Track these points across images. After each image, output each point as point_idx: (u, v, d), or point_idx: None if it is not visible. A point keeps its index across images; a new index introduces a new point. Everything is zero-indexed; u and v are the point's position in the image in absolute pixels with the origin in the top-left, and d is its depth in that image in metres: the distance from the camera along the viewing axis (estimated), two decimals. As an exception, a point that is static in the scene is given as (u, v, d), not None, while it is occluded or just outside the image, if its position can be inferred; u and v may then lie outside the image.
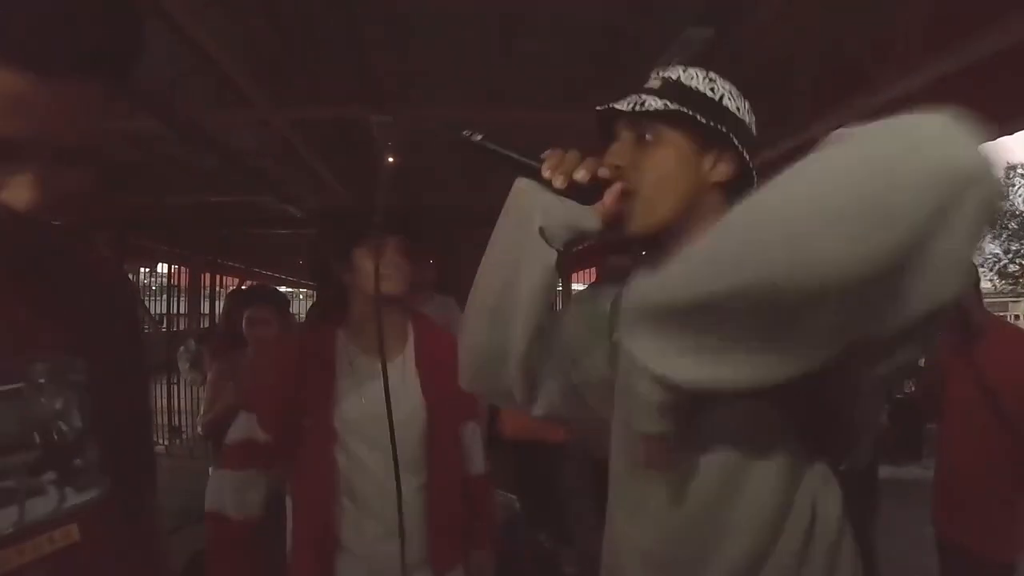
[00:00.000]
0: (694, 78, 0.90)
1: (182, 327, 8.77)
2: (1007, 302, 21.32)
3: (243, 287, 6.83)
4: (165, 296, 9.55)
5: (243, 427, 1.51)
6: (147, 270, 10.15)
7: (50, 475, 0.66)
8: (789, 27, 2.67)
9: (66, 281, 0.74)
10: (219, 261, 9.07)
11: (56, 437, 0.67)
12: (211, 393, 3.09)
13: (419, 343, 1.56)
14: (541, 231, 0.84)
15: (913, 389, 6.79)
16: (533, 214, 0.84)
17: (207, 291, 9.26)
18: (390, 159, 4.05)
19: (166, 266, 9.69)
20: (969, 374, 2.30)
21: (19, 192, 0.58)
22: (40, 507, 0.65)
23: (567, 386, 1.00)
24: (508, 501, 3.10)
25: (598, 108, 0.91)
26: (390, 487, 1.38)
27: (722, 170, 0.88)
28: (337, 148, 4.28)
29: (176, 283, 9.53)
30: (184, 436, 6.81)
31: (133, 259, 8.10)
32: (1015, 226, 19.02)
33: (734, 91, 0.91)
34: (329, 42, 2.81)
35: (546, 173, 0.83)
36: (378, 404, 1.31)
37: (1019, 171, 18.79)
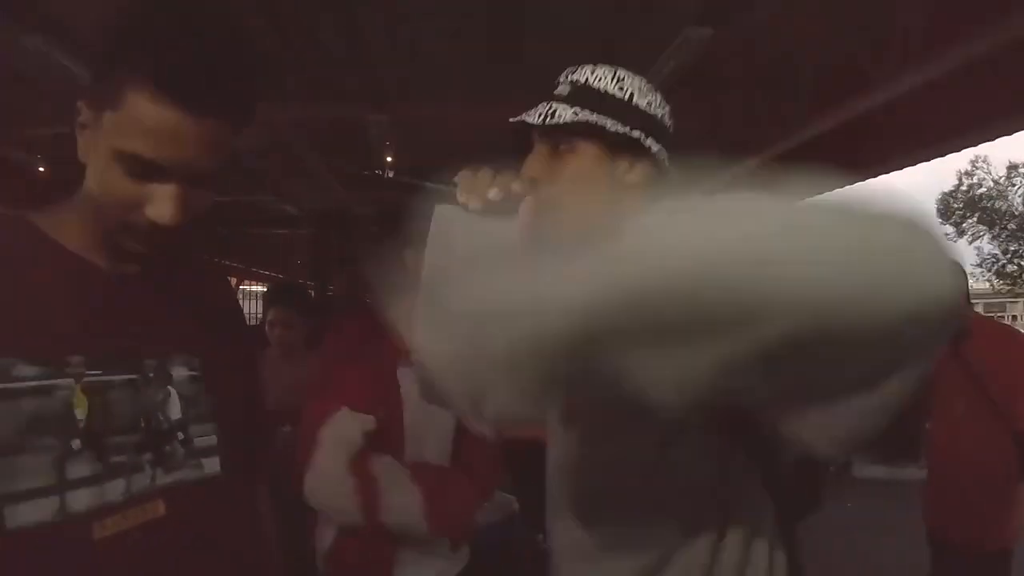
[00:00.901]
0: (602, 79, 0.89)
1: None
2: (1005, 302, 21.35)
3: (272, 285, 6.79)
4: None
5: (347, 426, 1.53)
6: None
7: (148, 456, 0.79)
8: (788, 27, 2.67)
9: (176, 287, 0.89)
10: (218, 261, 9.06)
11: (156, 424, 0.80)
12: None
13: None
14: (463, 250, 0.83)
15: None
16: (453, 236, 0.84)
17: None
18: (388, 159, 4.06)
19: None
20: (957, 370, 2.40)
21: (162, 206, 0.74)
22: (138, 482, 0.78)
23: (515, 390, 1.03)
24: (506, 501, 3.10)
25: (511, 120, 0.92)
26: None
27: (637, 172, 0.88)
28: (336, 148, 4.28)
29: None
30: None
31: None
32: (1013, 227, 19.03)
33: (644, 86, 0.90)
34: (328, 42, 2.81)
35: (461, 197, 0.83)
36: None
37: (1019, 171, 18.81)
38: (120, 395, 0.77)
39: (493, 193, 0.82)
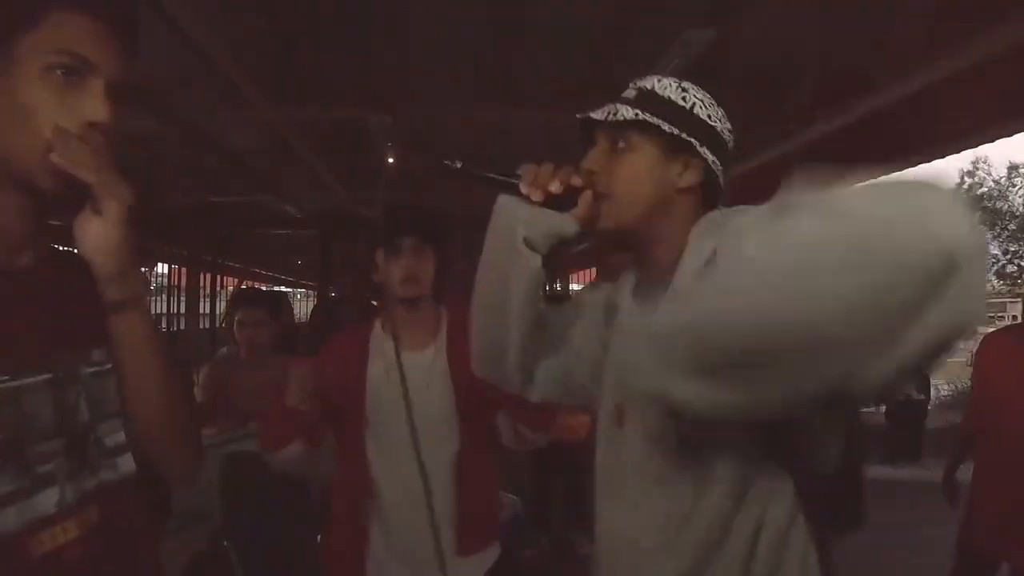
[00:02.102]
0: (668, 88, 0.95)
1: (181, 327, 8.77)
2: (1005, 302, 21.32)
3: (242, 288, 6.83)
4: (164, 296, 9.55)
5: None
6: (146, 270, 10.14)
7: (71, 462, 0.74)
8: (790, 28, 2.67)
9: (66, 281, 0.81)
10: (219, 261, 9.07)
11: (73, 427, 0.75)
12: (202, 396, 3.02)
13: (452, 333, 1.62)
14: (525, 240, 0.92)
15: (915, 392, 6.81)
16: (516, 227, 0.92)
17: (206, 291, 9.26)
18: (390, 159, 4.06)
19: (165, 266, 9.69)
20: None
21: (95, 102, 0.76)
22: (69, 490, 0.73)
23: (563, 374, 1.10)
24: (512, 502, 3.10)
25: (577, 116, 0.99)
26: (415, 465, 1.56)
27: (689, 176, 0.94)
28: (337, 148, 4.28)
29: (176, 283, 9.54)
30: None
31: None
32: (1014, 227, 19.02)
33: (707, 100, 0.96)
34: (329, 42, 2.82)
35: (523, 188, 0.91)
36: (400, 390, 1.55)
37: (1020, 172, 18.79)
38: (33, 400, 0.72)
39: (555, 186, 0.90)
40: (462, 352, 1.51)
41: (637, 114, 0.91)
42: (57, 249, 0.85)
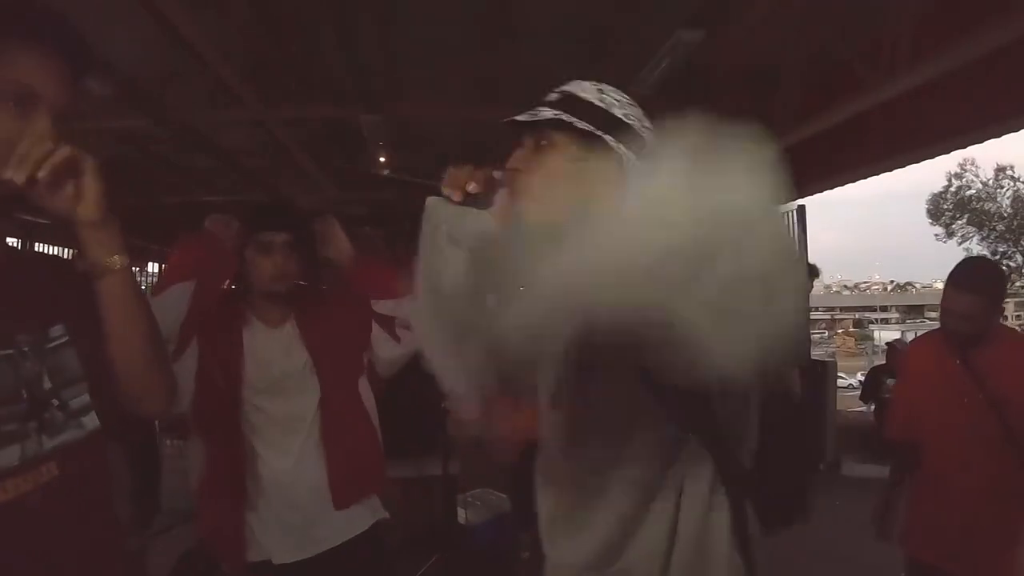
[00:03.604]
0: (587, 91, 1.02)
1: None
2: (995, 303, 21.42)
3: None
4: (155, 296, 9.50)
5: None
6: (137, 269, 10.10)
7: (33, 424, 0.84)
8: (779, 29, 2.69)
9: (20, 259, 0.92)
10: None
11: (37, 393, 0.85)
12: None
13: (301, 312, 1.71)
14: (448, 237, 0.99)
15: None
16: (440, 225, 0.99)
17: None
18: (381, 158, 4.07)
19: (156, 265, 9.64)
20: (966, 383, 2.03)
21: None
22: (30, 448, 0.83)
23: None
24: (499, 501, 3.11)
25: (503, 121, 1.04)
26: (289, 426, 1.64)
27: (603, 169, 0.99)
28: (329, 147, 4.28)
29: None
30: (174, 437, 6.76)
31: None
32: (1002, 228, 19.19)
33: (625, 100, 1.02)
34: (320, 42, 2.82)
35: (444, 190, 0.98)
36: (269, 360, 1.64)
37: (1007, 173, 18.97)
38: (1, 369, 0.82)
39: (471, 186, 0.97)
40: (313, 327, 1.70)
41: (556, 114, 0.98)
42: (12, 244, 0.96)
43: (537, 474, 1.18)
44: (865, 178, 4.10)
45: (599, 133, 0.98)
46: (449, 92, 3.38)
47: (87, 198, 0.86)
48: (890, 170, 3.91)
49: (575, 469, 1.08)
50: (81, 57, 0.88)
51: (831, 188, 4.42)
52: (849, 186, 4.61)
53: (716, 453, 0.99)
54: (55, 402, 0.88)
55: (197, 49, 2.47)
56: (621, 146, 0.98)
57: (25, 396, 0.84)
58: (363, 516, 1.70)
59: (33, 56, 0.83)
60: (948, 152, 3.50)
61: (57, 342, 0.90)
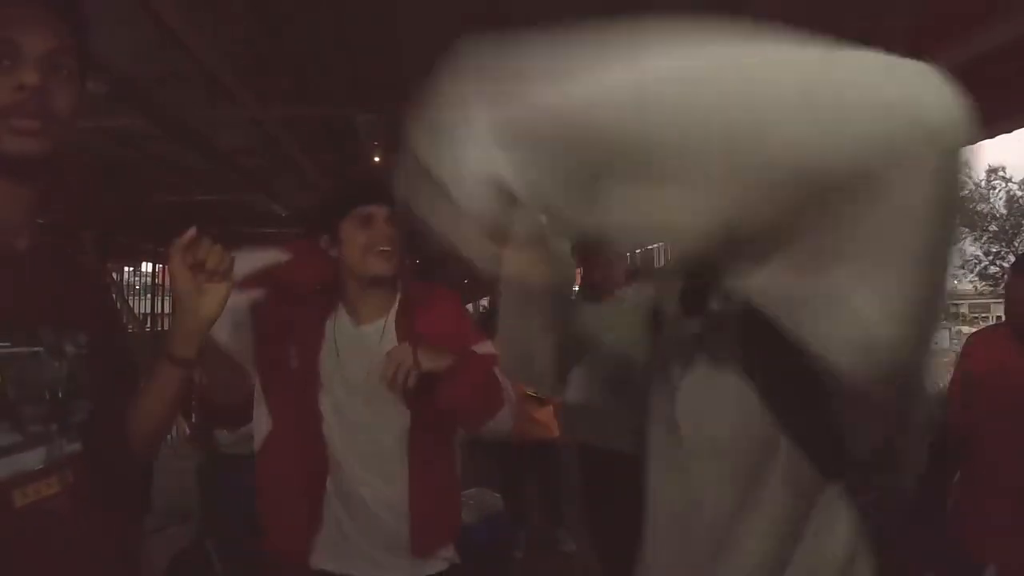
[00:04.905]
0: None
1: (166, 326, 8.70)
2: (989, 303, 21.58)
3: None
4: (149, 295, 9.47)
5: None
6: (131, 269, 10.05)
7: (54, 426, 0.82)
8: (778, 27, 2.70)
9: (58, 263, 0.93)
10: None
11: (60, 395, 0.84)
12: None
13: (402, 310, 1.53)
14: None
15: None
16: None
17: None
18: (376, 159, 4.07)
19: (151, 265, 9.61)
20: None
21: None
22: (53, 450, 0.82)
23: (600, 375, 1.08)
24: (493, 499, 3.12)
25: None
26: (369, 435, 1.46)
27: None
28: (325, 147, 4.28)
29: (161, 282, 9.45)
30: (169, 435, 6.76)
31: (118, 258, 8.04)
32: (995, 229, 19.27)
33: None
34: (316, 40, 2.82)
35: None
36: (352, 360, 1.46)
37: (999, 174, 19.06)
38: (26, 366, 0.81)
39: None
40: (411, 329, 1.48)
41: None
42: (48, 238, 0.92)
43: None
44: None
45: None
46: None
47: (216, 302, 0.94)
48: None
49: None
50: (69, 9, 0.86)
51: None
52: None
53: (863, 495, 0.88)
54: (71, 407, 0.86)
55: (193, 49, 2.47)
56: None
57: (48, 397, 0.83)
58: (437, 561, 1.50)
59: (15, 7, 0.81)
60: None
61: (79, 350, 0.88)
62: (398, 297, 1.56)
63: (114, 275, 8.09)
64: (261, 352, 1.49)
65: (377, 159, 4.04)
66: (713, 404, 0.87)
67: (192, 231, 0.95)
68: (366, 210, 1.47)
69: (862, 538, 0.86)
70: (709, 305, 0.87)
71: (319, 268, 1.51)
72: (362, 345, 1.48)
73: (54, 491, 0.80)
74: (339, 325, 1.51)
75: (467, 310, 1.55)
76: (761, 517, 0.84)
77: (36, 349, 0.82)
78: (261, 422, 1.50)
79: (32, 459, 0.79)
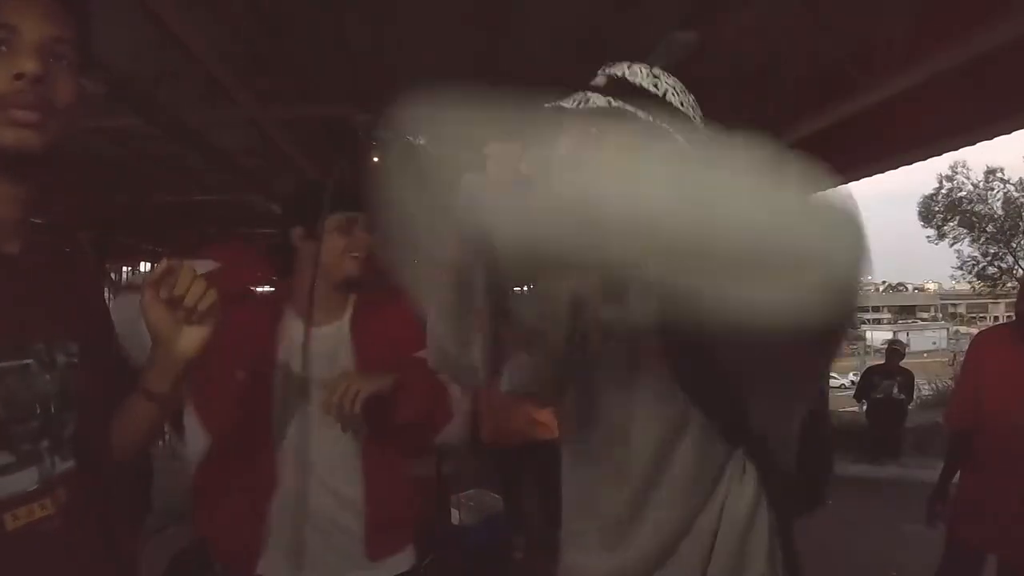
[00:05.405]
0: (638, 75, 0.93)
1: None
2: (987, 303, 21.64)
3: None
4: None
5: None
6: (130, 269, 10.04)
7: (45, 443, 0.78)
8: (772, 32, 2.71)
9: (50, 269, 0.86)
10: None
11: (51, 411, 0.79)
12: None
13: (357, 314, 1.53)
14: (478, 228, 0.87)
15: (896, 391, 6.90)
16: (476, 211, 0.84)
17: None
18: (375, 158, 4.06)
19: (150, 265, 9.60)
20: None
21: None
22: (46, 470, 0.78)
23: (533, 363, 1.06)
24: (493, 500, 3.12)
25: (546, 106, 0.94)
26: (320, 436, 1.42)
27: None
28: (323, 146, 4.27)
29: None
30: (166, 437, 6.74)
31: (116, 257, 8.03)
32: (993, 230, 19.29)
33: (679, 87, 0.95)
34: (314, 41, 2.82)
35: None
36: (310, 362, 1.41)
37: (998, 175, 19.07)
38: (16, 382, 0.76)
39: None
40: (367, 333, 1.49)
41: (610, 102, 0.88)
42: (43, 239, 0.88)
43: (563, 484, 1.07)
44: (857, 180, 4.13)
45: (660, 123, 0.87)
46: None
47: (195, 342, 0.88)
48: (882, 172, 3.94)
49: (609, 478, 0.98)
50: None
51: (823, 191, 4.44)
52: (841, 188, 4.62)
53: (761, 461, 0.93)
54: (63, 421, 0.81)
55: (193, 48, 2.46)
56: (680, 138, 0.88)
57: (39, 411, 0.78)
58: (397, 563, 1.51)
59: None
60: (939, 154, 3.52)
61: (69, 359, 0.83)
62: (352, 299, 1.56)
63: (112, 275, 8.05)
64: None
65: (376, 159, 4.03)
66: (631, 387, 0.94)
67: (164, 263, 0.85)
68: (349, 215, 1.46)
69: (762, 497, 0.93)
70: (627, 291, 0.92)
71: (253, 272, 1.52)
72: (320, 348, 1.45)
73: (47, 512, 0.77)
74: (292, 328, 1.48)
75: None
76: (672, 481, 0.92)
77: (26, 362, 0.77)
78: (196, 436, 1.47)
79: (24, 480, 0.75)
